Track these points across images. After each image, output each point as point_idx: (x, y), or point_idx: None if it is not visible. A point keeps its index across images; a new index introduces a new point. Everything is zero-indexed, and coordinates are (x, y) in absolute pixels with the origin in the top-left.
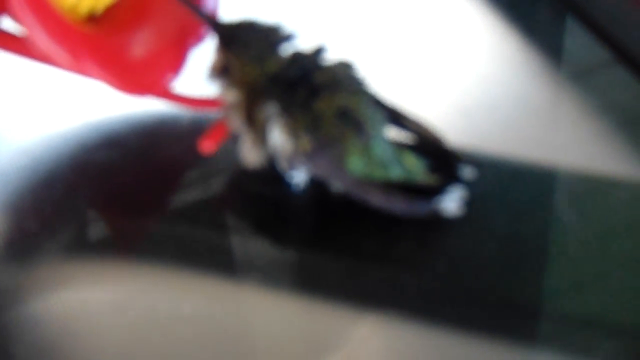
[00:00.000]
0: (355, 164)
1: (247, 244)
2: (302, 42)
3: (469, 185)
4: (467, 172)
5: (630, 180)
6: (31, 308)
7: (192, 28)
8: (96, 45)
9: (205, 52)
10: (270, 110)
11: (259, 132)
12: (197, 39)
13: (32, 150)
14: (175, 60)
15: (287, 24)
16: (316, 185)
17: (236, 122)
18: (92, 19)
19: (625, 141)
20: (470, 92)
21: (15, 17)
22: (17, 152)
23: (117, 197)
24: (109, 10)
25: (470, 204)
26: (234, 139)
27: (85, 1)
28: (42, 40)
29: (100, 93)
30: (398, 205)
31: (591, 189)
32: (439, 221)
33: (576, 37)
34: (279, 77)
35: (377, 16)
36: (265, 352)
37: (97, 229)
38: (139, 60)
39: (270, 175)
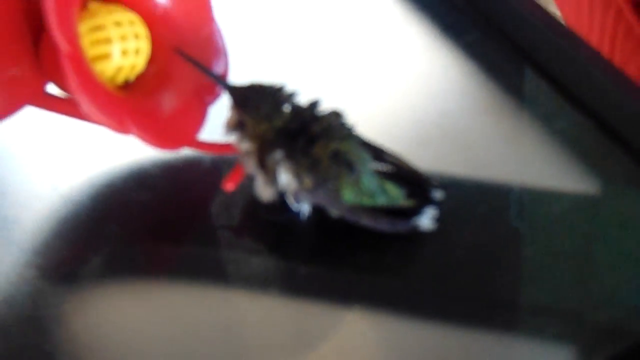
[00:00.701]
0: (348, 195)
1: (262, 260)
2: (300, 96)
3: (439, 205)
4: (437, 194)
5: (568, 194)
6: (73, 328)
7: (209, 88)
8: (133, 108)
9: (221, 108)
10: (278, 156)
11: (270, 173)
12: (214, 96)
13: (70, 192)
14: (197, 115)
15: (287, 83)
16: (317, 212)
17: (251, 166)
18: (126, 86)
19: (564, 162)
20: (435, 125)
21: (61, 86)
22: (57, 194)
23: (149, 226)
24: (139, 78)
25: (441, 220)
26: (249, 179)
27: (122, 72)
28: (90, 107)
29: (132, 140)
30: (383, 224)
31: (538, 201)
32: (417, 235)
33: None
34: (284, 130)
35: (342, 53)
36: (273, 346)
37: (132, 255)
38: (168, 118)
39: (280, 205)
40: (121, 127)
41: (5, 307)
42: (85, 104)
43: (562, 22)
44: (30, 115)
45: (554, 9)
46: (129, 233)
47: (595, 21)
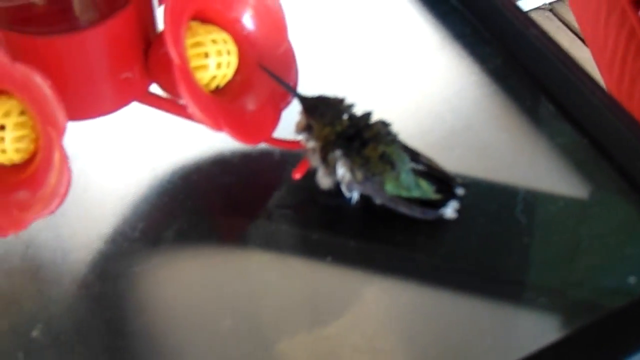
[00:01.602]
0: (390, 187)
1: (319, 235)
2: (356, 107)
3: (461, 199)
4: (459, 191)
5: (563, 196)
6: (154, 284)
7: (283, 95)
8: (224, 110)
9: (291, 113)
10: (337, 154)
11: (329, 167)
12: (286, 103)
13: (165, 173)
14: (273, 117)
15: (346, 97)
16: (364, 199)
17: (315, 161)
18: (216, 91)
19: (562, 171)
20: (460, 136)
21: (163, 87)
22: (154, 174)
23: (227, 203)
24: (227, 85)
25: (461, 211)
26: (312, 170)
27: (215, 80)
28: (194, 107)
29: (219, 135)
30: (416, 212)
31: (538, 201)
32: (442, 222)
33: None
34: (343, 134)
35: (391, 75)
36: (326, 306)
37: (211, 226)
38: (249, 118)
39: (335, 192)
40: (215, 124)
41: (108, 262)
42: (190, 105)
43: (572, 55)
44: (137, 111)
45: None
46: (211, 208)
47: (609, 38)
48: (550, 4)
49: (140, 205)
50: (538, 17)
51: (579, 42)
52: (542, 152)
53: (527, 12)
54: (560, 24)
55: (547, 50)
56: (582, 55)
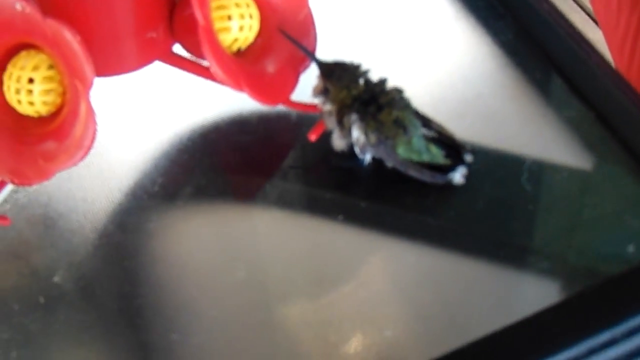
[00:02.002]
0: (402, 151)
1: (331, 195)
2: (372, 72)
3: (469, 165)
4: (468, 157)
5: (567, 167)
6: (169, 239)
7: (301, 59)
8: (244, 71)
9: (309, 76)
10: (353, 118)
11: (345, 130)
12: (305, 66)
13: (185, 131)
14: (291, 80)
15: (362, 62)
16: (376, 162)
17: (331, 123)
18: (238, 53)
19: (567, 142)
20: (470, 104)
21: (186, 48)
22: (173, 132)
23: (244, 161)
24: (248, 48)
25: (469, 177)
26: (327, 133)
27: (237, 43)
28: (217, 68)
29: (238, 94)
30: (426, 176)
31: (543, 170)
32: (450, 187)
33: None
34: (358, 98)
35: (404, 41)
36: (335, 264)
37: (227, 183)
38: (269, 80)
39: (348, 154)
40: (236, 85)
41: (128, 214)
42: (213, 66)
43: (581, 31)
44: (160, 70)
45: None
46: (228, 165)
47: (621, 19)
48: None
49: (161, 161)
50: None
51: (592, 23)
52: (549, 124)
53: None
54: (574, 4)
55: (558, 25)
56: (595, 37)
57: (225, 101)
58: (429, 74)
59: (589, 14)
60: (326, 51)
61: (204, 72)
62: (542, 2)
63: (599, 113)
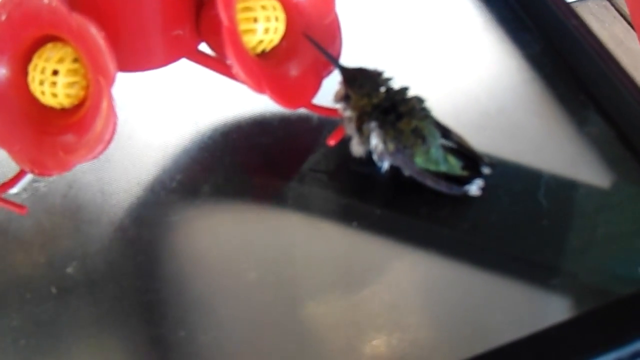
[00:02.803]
0: (419, 160)
1: (347, 200)
2: (394, 81)
3: (486, 177)
4: (486, 170)
5: (585, 184)
6: (189, 233)
7: (325, 64)
8: (267, 73)
9: (332, 82)
10: (372, 125)
11: (364, 137)
12: (328, 71)
13: (207, 129)
14: (314, 84)
15: (385, 70)
16: (394, 170)
17: (350, 129)
18: (262, 55)
19: (587, 159)
20: (492, 117)
21: (212, 47)
22: (196, 129)
23: (264, 164)
24: (273, 50)
25: (486, 189)
26: (346, 138)
27: (262, 45)
28: (239, 69)
29: (262, 97)
30: (442, 186)
31: (561, 186)
32: (466, 198)
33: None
34: (379, 106)
35: (431, 51)
36: (345, 268)
37: (246, 182)
38: (291, 84)
39: (367, 161)
40: (258, 86)
41: (145, 209)
42: (235, 67)
43: (608, 46)
44: (186, 67)
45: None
46: (247, 166)
47: None
48: None
49: (181, 157)
50: (595, 6)
51: (633, 33)
52: (570, 139)
53: (583, 0)
54: (616, 14)
55: (585, 41)
56: (636, 47)
57: (248, 101)
58: (454, 84)
59: (631, 25)
60: (351, 56)
61: (229, 72)
62: (570, 17)
63: (620, 132)
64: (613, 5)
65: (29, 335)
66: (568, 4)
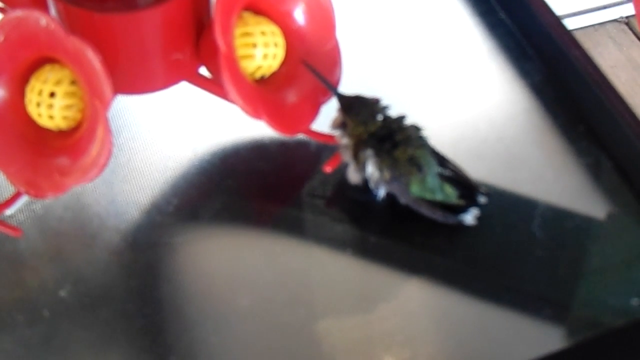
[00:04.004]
0: (415, 189)
1: (343, 227)
2: (391, 109)
3: (482, 207)
4: (481, 199)
5: (581, 215)
6: (187, 256)
7: (323, 91)
8: (265, 99)
9: (329, 109)
10: (368, 153)
11: (360, 164)
12: (326, 98)
13: (204, 154)
14: (311, 110)
15: (382, 98)
16: (389, 198)
17: (347, 156)
18: (261, 80)
19: (583, 190)
20: (490, 146)
21: (211, 71)
22: (194, 154)
23: (261, 189)
24: (272, 76)
25: (481, 219)
26: (343, 165)
27: (260, 70)
28: (235, 95)
29: (259, 123)
30: (438, 215)
31: (556, 217)
32: (461, 227)
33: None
34: (375, 134)
35: (430, 78)
36: (341, 297)
37: (243, 207)
38: (289, 110)
39: (363, 188)
40: (254, 112)
41: (140, 233)
42: (231, 92)
43: (610, 79)
44: (184, 92)
45: None
46: (245, 191)
47: None
48: (627, 17)
49: (178, 181)
50: (613, 30)
51: None
52: (567, 170)
53: (603, 23)
54: (634, 38)
55: (587, 72)
56: None
57: (247, 126)
58: (453, 112)
59: None
60: (352, 82)
61: (229, 96)
62: (572, 47)
63: (617, 162)
64: (631, 29)
65: (19, 358)
66: (571, 33)
